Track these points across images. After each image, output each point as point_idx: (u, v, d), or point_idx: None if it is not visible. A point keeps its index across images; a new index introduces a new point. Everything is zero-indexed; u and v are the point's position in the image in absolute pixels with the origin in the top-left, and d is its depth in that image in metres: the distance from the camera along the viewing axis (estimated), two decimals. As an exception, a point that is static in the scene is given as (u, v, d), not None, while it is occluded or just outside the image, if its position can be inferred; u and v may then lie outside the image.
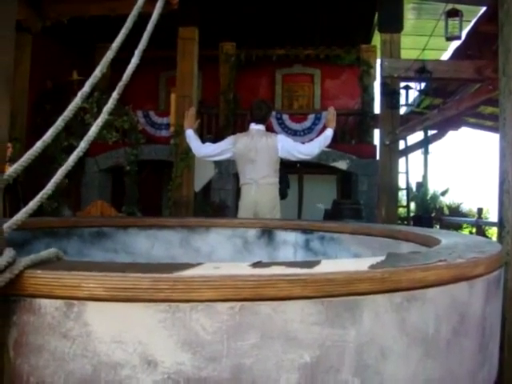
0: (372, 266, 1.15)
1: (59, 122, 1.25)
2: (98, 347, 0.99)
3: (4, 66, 1.02)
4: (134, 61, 1.44)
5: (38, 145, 1.21)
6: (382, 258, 1.27)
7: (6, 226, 1.10)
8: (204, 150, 4.76)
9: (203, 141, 4.92)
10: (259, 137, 4.56)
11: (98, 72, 1.35)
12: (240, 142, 4.60)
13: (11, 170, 1.13)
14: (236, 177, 10.93)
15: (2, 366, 1.01)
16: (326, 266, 1.14)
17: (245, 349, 1.01)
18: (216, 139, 12.23)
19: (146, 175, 11.87)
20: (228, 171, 11.30)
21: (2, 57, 1.02)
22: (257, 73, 14.03)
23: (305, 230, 2.90)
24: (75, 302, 1.00)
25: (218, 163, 10.46)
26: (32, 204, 1.21)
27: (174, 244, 2.92)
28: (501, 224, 2.88)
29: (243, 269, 1.10)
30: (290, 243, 2.92)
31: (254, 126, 4.68)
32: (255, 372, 1.01)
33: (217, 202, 11.31)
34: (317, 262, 1.17)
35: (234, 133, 12.08)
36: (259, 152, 4.51)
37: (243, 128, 12.47)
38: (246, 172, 4.57)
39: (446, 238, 1.84)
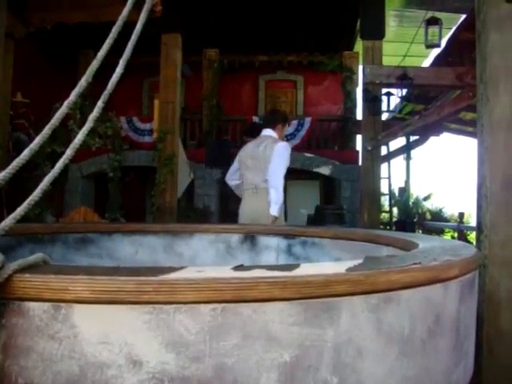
0: (349, 269, 1.19)
1: (46, 131, 1.28)
2: (85, 348, 1.02)
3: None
4: (119, 70, 1.47)
5: (26, 153, 1.25)
6: (360, 261, 1.31)
7: (-6, 231, 1.13)
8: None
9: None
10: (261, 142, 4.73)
11: (83, 81, 1.39)
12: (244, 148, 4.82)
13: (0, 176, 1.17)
14: (219, 182, 10.97)
15: (-10, 368, 1.04)
16: (305, 269, 1.18)
17: (227, 348, 1.05)
18: (199, 145, 12.28)
19: (130, 181, 11.86)
20: (211, 177, 11.33)
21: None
22: (240, 79, 14.11)
23: (287, 235, 2.94)
24: (62, 304, 1.03)
25: (194, 169, 10.41)
26: (19, 210, 1.24)
27: (158, 249, 2.94)
28: (479, 228, 2.94)
29: (225, 272, 1.14)
30: (272, 248, 2.95)
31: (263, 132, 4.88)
32: (237, 371, 1.05)
33: (200, 208, 11.34)
34: (296, 266, 1.21)
35: (217, 138, 12.16)
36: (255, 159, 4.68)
37: (227, 134, 12.56)
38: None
39: (424, 242, 1.89)
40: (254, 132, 5.80)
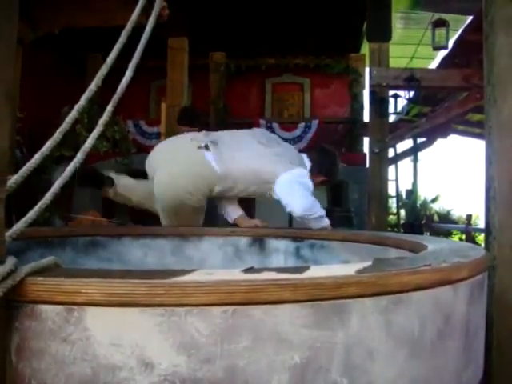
0: (359, 271, 1.19)
1: (57, 135, 1.29)
2: (97, 350, 1.03)
3: (5, 82, 1.06)
4: (128, 74, 1.48)
5: (37, 156, 1.26)
6: (369, 263, 1.32)
7: (7, 234, 1.14)
8: None
9: None
10: None
11: (93, 86, 1.40)
12: None
13: (12, 180, 1.17)
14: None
15: (4, 370, 1.05)
16: (315, 272, 1.18)
17: (238, 350, 1.05)
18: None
19: (137, 185, 11.83)
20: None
21: (3, 73, 1.07)
22: (247, 82, 14.08)
23: (295, 238, 2.95)
24: (75, 307, 1.04)
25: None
26: (31, 214, 1.25)
27: (167, 253, 2.95)
28: (487, 230, 2.93)
29: (236, 274, 1.15)
30: (280, 251, 2.96)
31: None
32: (248, 372, 1.06)
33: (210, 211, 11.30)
34: (306, 268, 1.21)
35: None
36: None
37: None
38: None
39: (433, 244, 1.89)
40: (191, 119, 5.10)
